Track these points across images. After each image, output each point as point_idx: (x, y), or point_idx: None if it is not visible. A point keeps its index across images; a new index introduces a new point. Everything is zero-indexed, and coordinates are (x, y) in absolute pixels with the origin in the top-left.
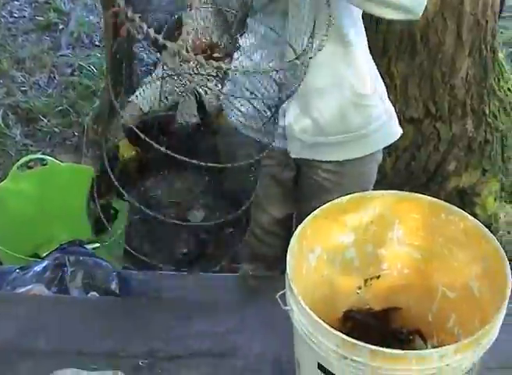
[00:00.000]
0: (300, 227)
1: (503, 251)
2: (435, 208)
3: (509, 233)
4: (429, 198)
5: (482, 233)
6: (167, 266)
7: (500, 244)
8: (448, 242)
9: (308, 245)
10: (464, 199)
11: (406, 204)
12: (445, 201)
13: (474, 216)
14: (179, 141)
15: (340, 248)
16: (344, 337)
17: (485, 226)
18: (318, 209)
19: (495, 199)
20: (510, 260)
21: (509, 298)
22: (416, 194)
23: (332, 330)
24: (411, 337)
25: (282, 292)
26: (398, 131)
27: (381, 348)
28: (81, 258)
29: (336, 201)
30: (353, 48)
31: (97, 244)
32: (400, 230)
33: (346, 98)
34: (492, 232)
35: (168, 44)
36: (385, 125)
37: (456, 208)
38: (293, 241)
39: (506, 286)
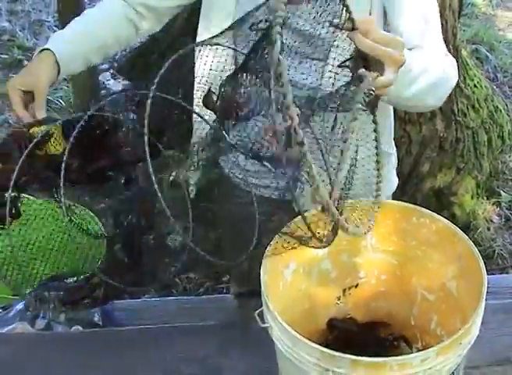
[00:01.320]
0: (271, 244)
1: (477, 250)
2: (405, 213)
3: (488, 229)
4: (399, 202)
5: (454, 233)
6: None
7: (481, 240)
8: (422, 245)
9: (282, 261)
10: (442, 199)
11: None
12: (422, 203)
13: (453, 215)
14: None
15: (315, 260)
16: (323, 349)
17: (465, 224)
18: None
19: (472, 197)
20: (491, 257)
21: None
22: (386, 200)
23: (311, 343)
24: (396, 343)
25: (260, 309)
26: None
27: (361, 357)
28: (62, 293)
29: (305, 214)
30: (388, 115)
31: (80, 277)
32: (373, 238)
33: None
34: (471, 229)
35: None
36: (390, 172)
37: (426, 210)
38: (265, 258)
39: (482, 284)
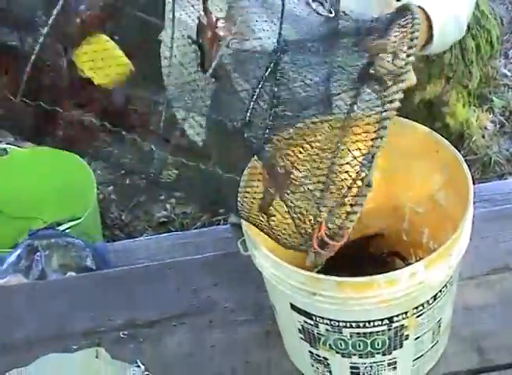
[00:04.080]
0: (247, 169)
1: (460, 156)
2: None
3: (483, 137)
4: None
5: (436, 141)
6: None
7: (476, 149)
8: (404, 157)
9: (261, 184)
10: (433, 110)
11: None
12: (413, 116)
13: (446, 126)
14: None
15: (296, 181)
16: (307, 273)
17: (459, 133)
18: None
19: (463, 105)
20: (488, 165)
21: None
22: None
23: (294, 268)
24: (389, 260)
25: (242, 238)
26: None
27: (347, 278)
28: (53, 240)
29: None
30: None
31: (73, 223)
32: (354, 152)
33: None
34: (466, 138)
35: None
36: None
37: (406, 120)
38: (242, 184)
39: (469, 190)
